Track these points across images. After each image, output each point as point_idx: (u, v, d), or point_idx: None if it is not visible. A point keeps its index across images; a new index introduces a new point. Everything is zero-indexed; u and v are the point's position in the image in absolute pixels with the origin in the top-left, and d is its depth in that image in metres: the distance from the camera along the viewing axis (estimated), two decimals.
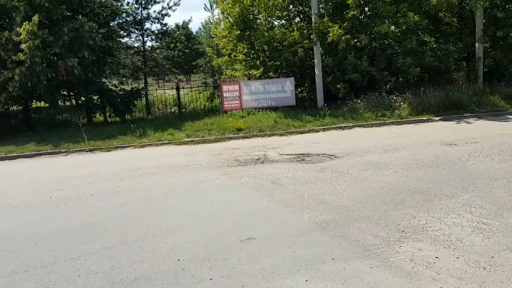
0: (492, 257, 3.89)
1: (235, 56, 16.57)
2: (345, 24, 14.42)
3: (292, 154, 9.06)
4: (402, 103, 13.19)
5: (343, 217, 5.23)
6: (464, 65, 16.88)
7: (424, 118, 12.20)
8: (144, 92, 18.26)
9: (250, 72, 16.60)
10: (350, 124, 11.90)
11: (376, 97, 13.47)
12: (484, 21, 15.40)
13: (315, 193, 6.29)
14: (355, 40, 14.80)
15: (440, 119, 12.11)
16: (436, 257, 4.00)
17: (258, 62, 16.36)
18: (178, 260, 4.38)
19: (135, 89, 17.81)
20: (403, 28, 14.71)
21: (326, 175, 7.22)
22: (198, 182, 7.43)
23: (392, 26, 14.46)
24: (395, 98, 13.52)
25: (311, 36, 15.03)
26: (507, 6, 15.39)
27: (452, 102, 13.14)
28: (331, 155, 8.63)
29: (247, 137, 11.50)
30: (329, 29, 14.12)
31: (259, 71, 16.25)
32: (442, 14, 17.10)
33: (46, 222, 5.87)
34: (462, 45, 15.53)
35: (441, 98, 13.12)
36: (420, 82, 14.93)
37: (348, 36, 14.12)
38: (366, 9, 15.57)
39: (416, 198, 5.72)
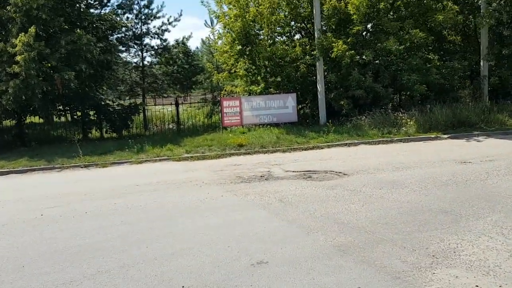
0: None
1: (235, 71, 16.25)
2: (349, 40, 14.17)
3: (298, 171, 8.60)
4: (408, 120, 12.84)
5: (364, 240, 4.76)
6: (468, 83, 16.66)
7: (432, 136, 11.83)
8: (142, 108, 17.86)
9: (250, 88, 16.27)
10: (356, 141, 11.50)
11: (381, 114, 13.11)
12: (489, 38, 15.22)
13: (329, 212, 5.81)
14: (359, 57, 14.55)
15: (448, 137, 11.74)
16: (477, 286, 3.53)
17: (259, 77, 16.05)
18: (183, 287, 3.88)
19: (133, 105, 17.40)
20: (407, 44, 14.49)
21: (337, 193, 6.76)
22: (200, 200, 6.94)
23: (397, 43, 14.22)
24: (401, 115, 13.17)
25: (314, 52, 14.76)
26: None
27: (459, 120, 12.81)
28: (340, 172, 8.19)
29: (249, 153, 11.05)
30: (333, 44, 13.85)
31: (260, 87, 15.92)
32: (446, 32, 16.96)
33: (35, 243, 5.35)
34: (466, 63, 15.30)
35: (448, 115, 12.78)
36: (425, 99, 14.63)
37: (352, 51, 13.85)
38: (369, 26, 15.40)
39: (440, 218, 5.26)
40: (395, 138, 11.70)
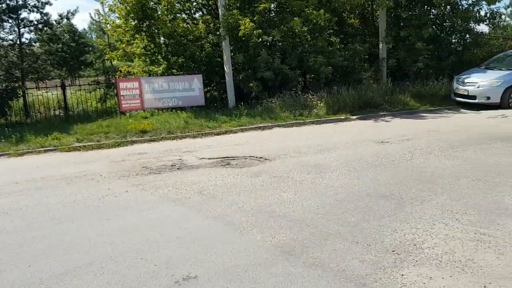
0: None
1: (132, 50, 14.56)
2: (255, 18, 13.42)
3: (214, 158, 7.64)
4: (318, 102, 12.57)
5: (308, 236, 4.00)
6: (366, 66, 17.05)
7: (342, 117, 11.68)
8: (21, 91, 15.26)
9: (150, 69, 14.74)
10: (270, 124, 10.86)
11: (291, 96, 12.67)
12: (387, 21, 15.63)
13: (260, 204, 4.98)
14: (266, 37, 13.92)
15: (357, 118, 11.69)
16: None
17: (159, 57, 14.57)
18: None
19: (9, 88, 14.75)
20: (310, 26, 14.22)
21: (263, 180, 5.96)
22: (99, 198, 5.64)
23: (302, 24, 13.84)
24: (311, 97, 12.87)
25: (220, 30, 13.76)
26: (411, 5, 15.82)
27: (365, 101, 12.90)
28: (261, 157, 7.41)
29: (154, 140, 9.77)
30: (240, 22, 12.98)
31: (161, 67, 14.48)
32: (345, 15, 17.12)
33: None
34: (367, 45, 15.56)
35: (355, 97, 12.79)
36: (331, 81, 14.55)
37: (260, 31, 13.14)
38: (273, 5, 14.81)
39: (382, 204, 4.73)
40: (308, 120, 11.32)
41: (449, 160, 6.45)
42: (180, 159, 7.70)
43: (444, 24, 16.85)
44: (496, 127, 8.89)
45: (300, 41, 14.50)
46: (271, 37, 14.09)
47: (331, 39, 15.85)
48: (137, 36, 14.25)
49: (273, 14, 14.94)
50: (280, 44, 14.41)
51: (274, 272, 3.37)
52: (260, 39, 13.59)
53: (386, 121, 11.15)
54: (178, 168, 7.05)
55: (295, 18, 13.39)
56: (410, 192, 5.08)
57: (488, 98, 11.61)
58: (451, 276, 3.11)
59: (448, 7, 16.36)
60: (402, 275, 3.19)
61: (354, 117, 11.81)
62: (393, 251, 3.59)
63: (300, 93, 13.07)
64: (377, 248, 3.67)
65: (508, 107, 11.35)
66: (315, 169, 6.37)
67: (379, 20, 15.86)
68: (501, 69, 12.26)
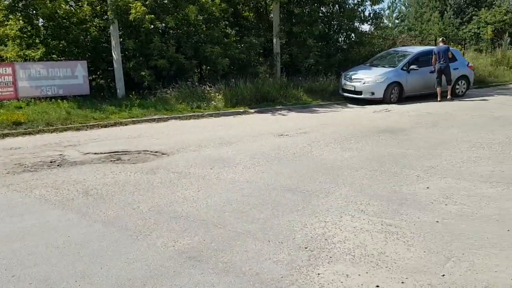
0: (443, 276, 2.94)
1: (5, 32, 12.65)
2: (148, 2, 12.56)
3: (102, 153, 6.84)
4: (217, 94, 12.22)
5: (216, 237, 3.63)
6: (262, 60, 17.18)
7: (240, 110, 11.50)
8: None
9: (26, 53, 12.96)
10: (165, 116, 10.20)
11: (187, 87, 12.13)
12: (281, 16, 15.86)
13: (159, 204, 4.47)
14: (159, 23, 13.16)
15: (255, 111, 11.62)
16: (377, 286, 2.84)
17: (37, 40, 12.90)
18: None
19: None
20: (206, 16, 13.82)
21: (162, 177, 5.43)
22: None
23: (197, 12, 13.34)
24: (208, 89, 12.47)
25: (108, 13, 12.61)
26: (302, 1, 16.23)
27: (262, 95, 12.90)
28: (157, 152, 6.82)
29: (30, 133, 8.50)
30: (131, 5, 12.02)
31: (39, 52, 12.83)
32: (240, 7, 17.02)
33: None
34: (262, 39, 15.64)
35: (252, 90, 12.72)
36: (228, 74, 14.32)
37: (153, 16, 12.33)
38: None
39: (289, 198, 4.56)
40: (206, 113, 10.92)
41: (346, 151, 6.59)
42: (61, 155, 6.75)
43: (332, 22, 17.67)
44: (382, 120, 9.45)
45: (195, 30, 13.98)
46: (164, 24, 13.35)
47: (227, 30, 15.62)
48: (11, 17, 12.45)
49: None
50: (174, 32, 13.74)
51: (179, 283, 2.93)
52: (153, 25, 12.79)
53: (283, 115, 11.24)
54: (58, 165, 6.14)
55: (190, 6, 12.85)
56: (314, 185, 4.99)
57: (373, 93, 12.37)
58: (367, 273, 2.99)
59: (337, 5, 17.18)
60: (319, 274, 2.99)
61: (252, 110, 11.73)
62: (305, 247, 3.40)
63: (197, 84, 12.60)
64: (290, 245, 3.44)
65: (390, 102, 12.22)
66: (218, 163, 6.01)
67: (272, 15, 16.03)
68: (384, 67, 13.16)
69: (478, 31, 27.25)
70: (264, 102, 12.82)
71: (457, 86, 13.01)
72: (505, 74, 17.48)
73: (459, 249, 3.30)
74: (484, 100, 12.05)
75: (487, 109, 10.22)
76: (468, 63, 13.91)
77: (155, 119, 10.02)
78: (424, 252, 3.27)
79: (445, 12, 29.89)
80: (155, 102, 11.37)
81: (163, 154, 6.69)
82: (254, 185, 5.03)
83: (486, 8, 27.98)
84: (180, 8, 13.10)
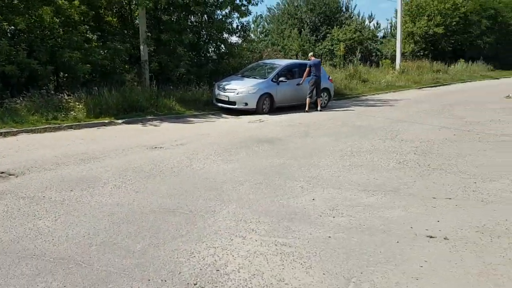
0: None
1: None
2: None
3: None
4: (77, 103, 10.88)
5: (80, 280, 2.92)
6: (128, 67, 16.13)
7: (106, 121, 10.41)
8: None
9: None
10: (14, 130, 8.64)
11: (42, 96, 10.58)
12: (148, 23, 15.07)
13: (3, 240, 3.51)
14: (7, 23, 11.33)
15: (123, 122, 10.65)
16: None
17: None
18: None
19: None
20: (63, 19, 12.39)
21: (8, 204, 4.38)
22: None
23: (52, 14, 11.87)
24: (67, 98, 11.06)
25: None
26: (170, 9, 15.66)
27: (130, 105, 11.94)
28: (2, 173, 5.59)
29: None
30: None
31: None
32: (102, 11, 15.75)
33: None
34: (128, 45, 14.66)
35: (119, 99, 11.68)
36: (90, 81, 13.00)
37: (1, 17, 10.57)
38: None
39: (171, 221, 4.01)
40: (64, 125, 9.61)
41: (227, 164, 6.26)
42: None
43: (202, 32, 17.47)
44: (258, 131, 9.42)
45: (51, 34, 12.41)
46: (13, 26, 11.58)
47: (88, 35, 14.24)
48: None
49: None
50: (25, 35, 12.00)
51: None
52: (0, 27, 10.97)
53: (155, 126, 10.52)
54: None
55: (44, 7, 11.37)
56: (198, 203, 4.52)
57: (246, 104, 12.40)
58: None
59: (205, 16, 17.03)
60: None
61: (120, 121, 10.75)
62: (195, 284, 2.91)
63: (54, 93, 11.13)
64: (175, 283, 2.91)
65: (263, 112, 12.38)
66: (81, 184, 5.13)
67: (138, 21, 15.18)
68: (255, 78, 13.33)
69: (332, 48, 29.88)
70: (133, 112, 11.91)
71: (319, 98, 13.83)
72: (358, 87, 19.28)
73: (357, 267, 3.15)
74: (345, 111, 12.97)
75: (349, 119, 10.96)
76: (329, 76, 14.92)
77: (1, 133, 8.45)
78: (324, 274, 3.04)
79: (303, 29, 32.17)
80: (1, 113, 9.63)
81: (10, 175, 5.52)
82: (127, 208, 4.34)
83: (337, 26, 30.86)
84: (33, 9, 11.52)
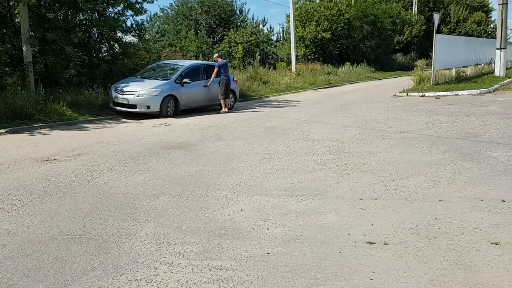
0: None
1: None
2: None
3: None
4: None
5: None
6: (9, 70, 14.21)
7: None
8: None
9: None
10: None
11: None
12: (31, 21, 13.40)
13: None
14: None
15: (7, 132, 9.22)
16: None
17: None
18: None
19: None
20: None
21: None
22: None
23: None
24: None
25: None
26: (56, 5, 14.10)
27: (14, 111, 10.43)
28: None
29: None
30: None
31: None
32: None
33: None
34: (8, 45, 12.89)
35: (1, 106, 10.16)
36: None
37: None
38: None
39: (78, 251, 3.33)
40: None
41: (137, 175, 5.60)
42: None
43: (92, 30, 16.10)
44: (166, 135, 8.78)
45: None
46: None
47: None
48: None
49: None
50: None
51: None
52: None
53: (45, 134, 9.30)
54: None
55: None
56: (108, 225, 3.86)
57: (149, 107, 11.59)
58: None
59: (96, 13, 15.71)
60: None
61: (3, 130, 9.36)
62: None
63: None
64: None
65: (167, 116, 11.69)
66: None
67: (19, 19, 13.43)
68: (157, 79, 12.55)
69: (230, 50, 29.89)
70: (17, 120, 10.47)
71: (227, 99, 13.56)
72: (260, 88, 19.44)
73: (305, 287, 2.84)
74: (252, 112, 12.85)
75: (259, 121, 10.81)
76: (233, 77, 14.72)
77: None
78: None
79: (199, 31, 31.71)
80: None
81: None
82: (21, 237, 3.54)
83: (234, 29, 30.97)
84: None
